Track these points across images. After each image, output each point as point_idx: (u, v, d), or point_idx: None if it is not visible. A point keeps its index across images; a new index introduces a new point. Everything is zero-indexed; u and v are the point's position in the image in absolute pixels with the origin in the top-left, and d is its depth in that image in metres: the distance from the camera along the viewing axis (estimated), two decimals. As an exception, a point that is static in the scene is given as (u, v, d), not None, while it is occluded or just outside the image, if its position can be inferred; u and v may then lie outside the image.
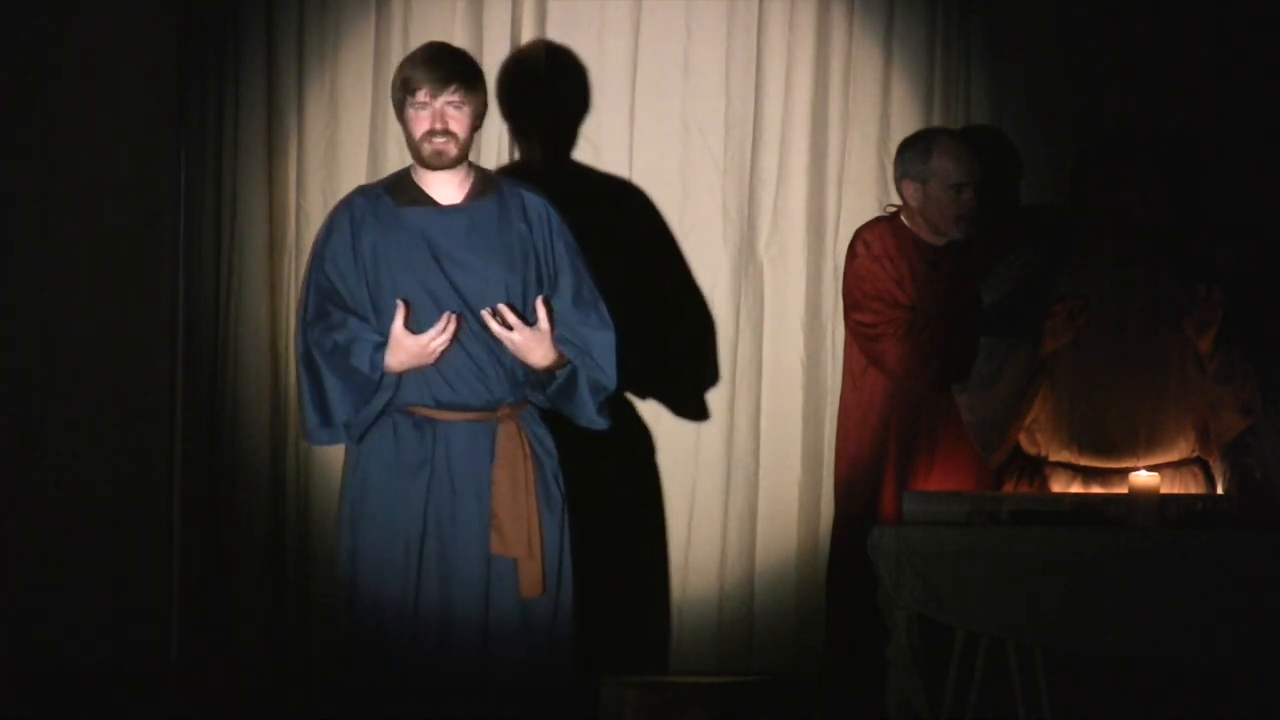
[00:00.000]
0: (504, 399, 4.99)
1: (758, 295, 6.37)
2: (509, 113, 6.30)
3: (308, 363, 4.97)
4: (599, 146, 6.36)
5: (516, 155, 6.34)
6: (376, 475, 4.97)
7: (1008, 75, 6.34)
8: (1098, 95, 6.26)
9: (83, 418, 6.14)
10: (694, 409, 6.38)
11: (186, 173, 6.32)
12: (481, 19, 6.33)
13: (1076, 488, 5.55)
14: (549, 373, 5.01)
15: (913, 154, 5.81)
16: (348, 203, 5.06)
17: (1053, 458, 5.60)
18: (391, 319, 4.91)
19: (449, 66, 4.99)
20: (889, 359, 5.75)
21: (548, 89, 6.33)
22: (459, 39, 6.21)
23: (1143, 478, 5.17)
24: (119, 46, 6.22)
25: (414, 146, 5.01)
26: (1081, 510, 5.28)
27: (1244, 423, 5.50)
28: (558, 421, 5.13)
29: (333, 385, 4.94)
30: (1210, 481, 5.58)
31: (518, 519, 4.94)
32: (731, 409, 6.35)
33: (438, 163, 4.99)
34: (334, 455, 6.20)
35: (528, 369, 4.99)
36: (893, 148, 6.02)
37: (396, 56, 6.26)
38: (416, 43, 6.20)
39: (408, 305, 4.91)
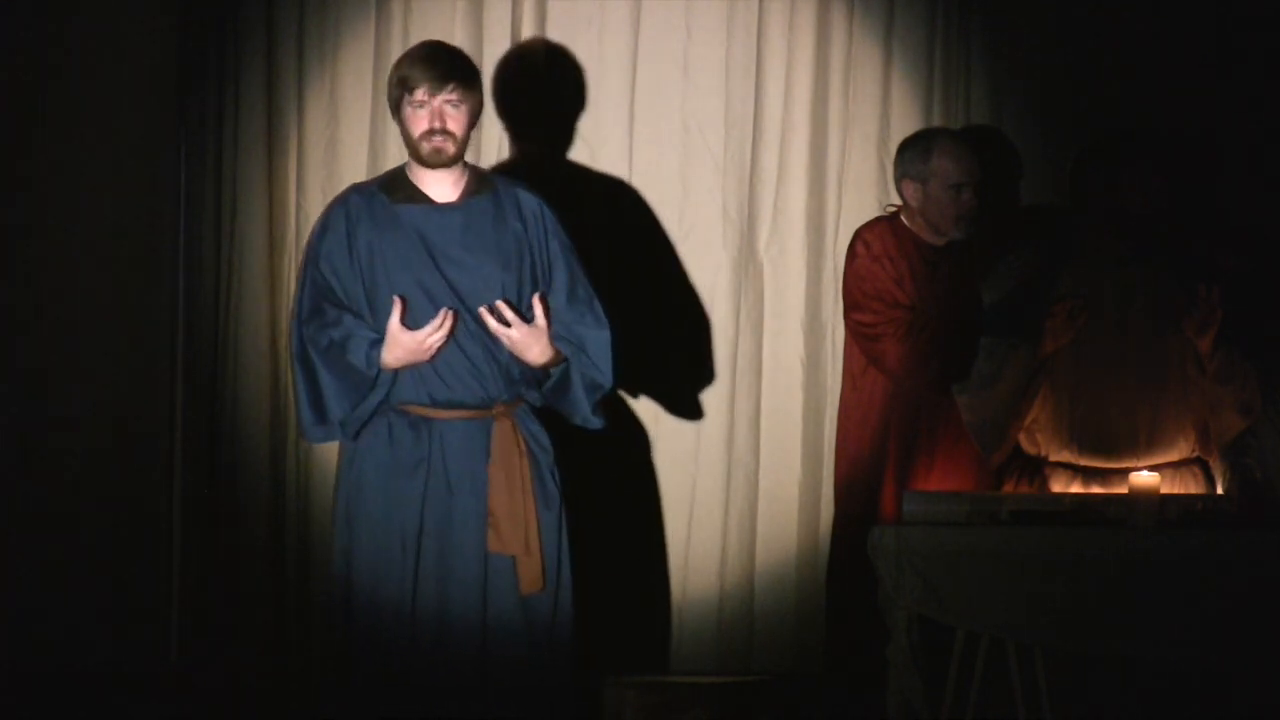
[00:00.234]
0: (499, 396, 4.99)
1: (758, 295, 6.37)
2: (507, 112, 6.29)
3: (302, 360, 4.97)
4: (599, 146, 6.36)
5: (514, 154, 6.33)
6: (372, 475, 4.97)
7: (1008, 75, 6.34)
8: (1098, 95, 6.26)
9: (83, 418, 6.14)
10: (691, 409, 6.38)
11: (186, 173, 6.32)
12: (481, 19, 6.33)
13: (1076, 488, 5.55)
14: (544, 370, 5.02)
15: (913, 154, 5.81)
16: (343, 200, 5.06)
17: (1053, 458, 5.60)
18: (386, 316, 4.91)
19: (447, 65, 4.99)
20: (889, 359, 5.75)
21: (546, 88, 6.32)
22: (459, 39, 6.21)
23: (1143, 478, 5.17)
24: (119, 46, 6.23)
25: (412, 145, 5.01)
26: (1081, 510, 5.27)
27: (1244, 423, 5.50)
28: (554, 420, 5.13)
29: (328, 382, 4.94)
30: (1210, 481, 5.58)
31: (514, 516, 4.94)
32: (731, 409, 6.35)
33: (436, 161, 4.99)
34: (334, 455, 6.20)
35: (523, 366, 4.99)
36: (893, 148, 6.02)
37: (396, 56, 6.23)
38: (417, 42, 6.23)
39: (404, 301, 4.91)
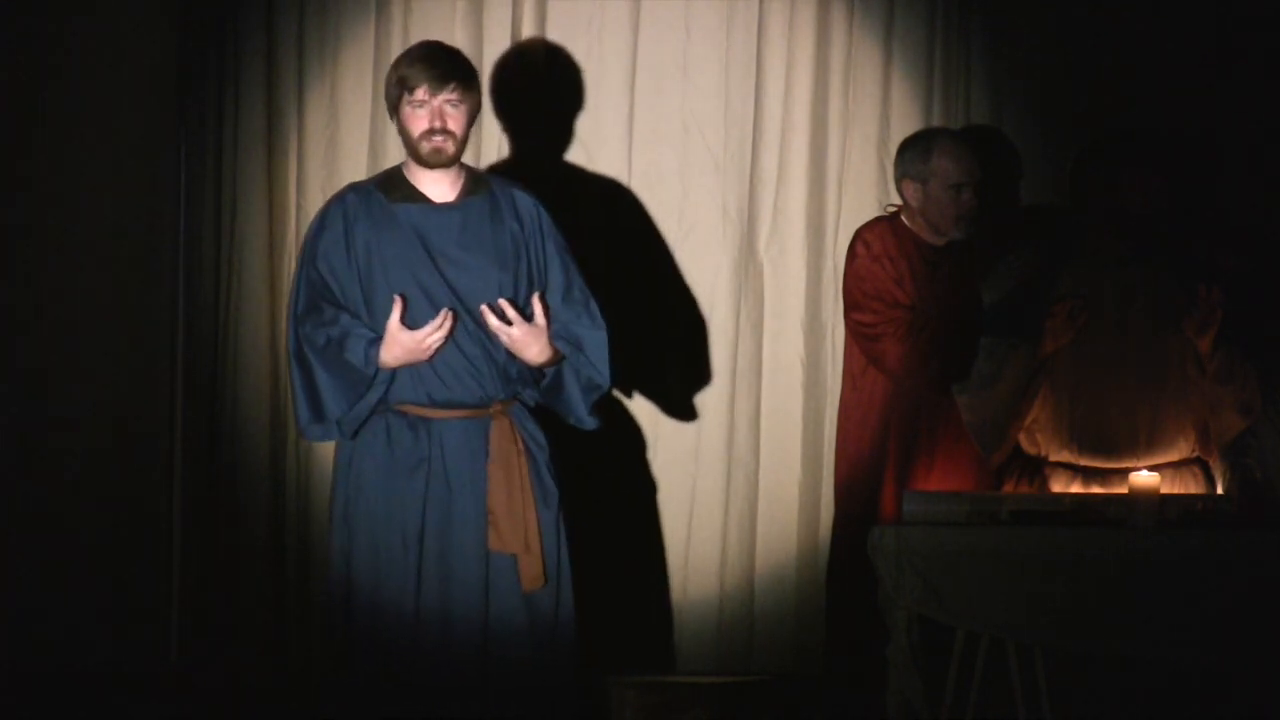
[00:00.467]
0: (496, 396, 4.99)
1: (758, 295, 6.37)
2: (504, 112, 6.29)
3: (299, 358, 4.97)
4: (598, 146, 6.36)
5: (512, 154, 6.33)
6: (371, 475, 4.97)
7: (1008, 75, 6.34)
8: (1098, 95, 6.26)
9: (83, 418, 6.14)
10: (690, 409, 6.38)
11: (186, 173, 6.32)
12: (481, 19, 6.33)
13: (1076, 488, 5.55)
14: (541, 369, 5.02)
15: (913, 154, 5.81)
16: (340, 199, 5.06)
17: (1053, 458, 5.60)
18: (383, 315, 4.91)
19: (447, 65, 4.99)
20: (889, 359, 5.75)
21: (545, 88, 6.32)
22: (459, 39, 6.21)
23: (1143, 478, 5.17)
24: (119, 46, 6.23)
25: (411, 145, 5.01)
26: (1081, 510, 5.27)
27: (1244, 423, 5.50)
28: (554, 420, 5.13)
29: (325, 381, 4.94)
30: (1210, 481, 5.58)
31: (514, 515, 4.94)
32: (731, 409, 6.35)
33: (436, 161, 4.99)
34: (333, 455, 6.21)
35: (520, 365, 4.99)
36: (893, 148, 6.02)
37: (396, 57, 6.25)
38: (416, 43, 6.23)
39: (404, 300, 4.91)
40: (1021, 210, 6.31)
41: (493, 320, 4.91)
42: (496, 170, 6.17)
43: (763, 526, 6.35)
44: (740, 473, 6.34)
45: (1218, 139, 6.23)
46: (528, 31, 6.30)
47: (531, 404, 5.06)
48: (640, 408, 6.38)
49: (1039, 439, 5.61)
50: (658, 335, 6.34)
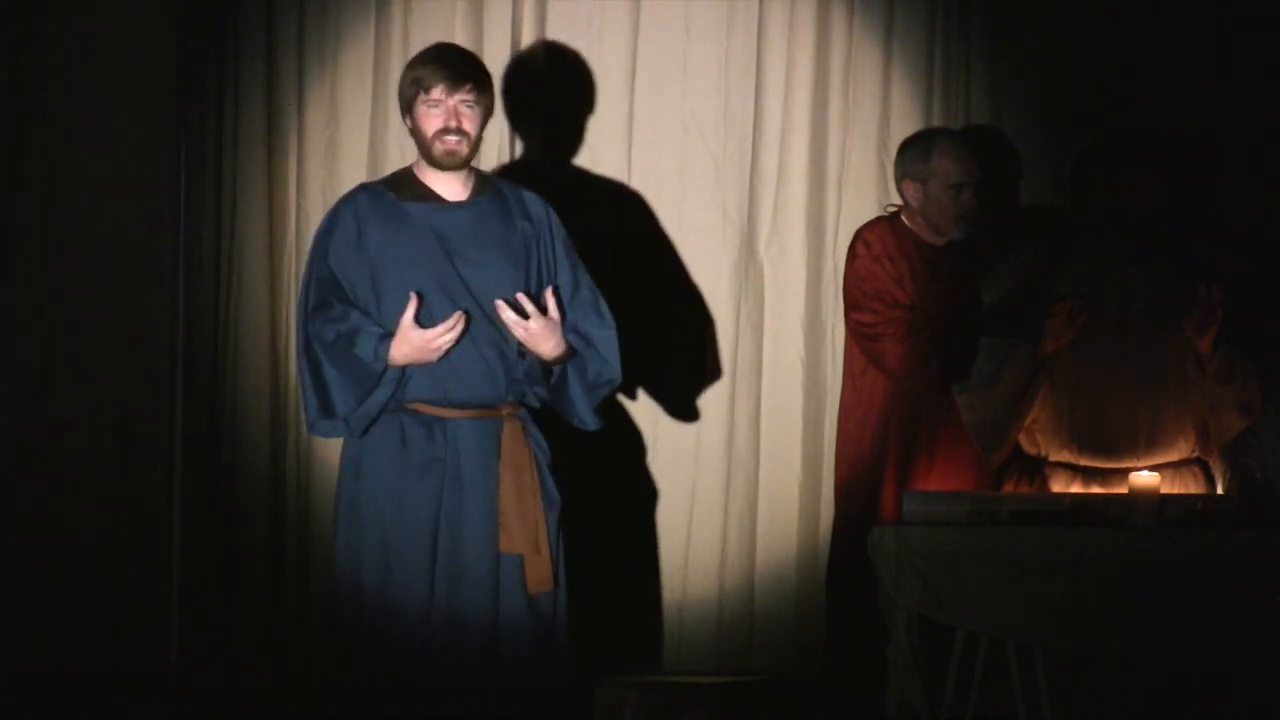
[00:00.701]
0: (506, 397, 5.00)
1: (758, 295, 6.37)
2: (510, 113, 6.30)
3: (308, 354, 4.95)
4: (599, 147, 6.36)
5: (516, 156, 6.34)
6: (383, 473, 4.95)
7: (1008, 75, 6.34)
8: (1098, 95, 6.26)
9: (83, 418, 6.14)
10: (691, 409, 6.38)
11: (186, 173, 6.32)
12: (481, 19, 6.33)
13: (1076, 488, 5.55)
14: (549, 367, 5.02)
15: (913, 154, 5.81)
16: (351, 198, 5.06)
17: (1053, 458, 5.60)
18: (394, 313, 4.90)
19: (463, 65, 5.00)
20: (889, 359, 5.75)
21: (549, 90, 6.33)
22: (459, 40, 6.21)
23: (1143, 478, 5.17)
24: (119, 46, 6.23)
25: (424, 145, 5.00)
26: (1081, 510, 5.27)
27: (1244, 423, 5.50)
28: (554, 422, 5.13)
29: (333, 377, 4.93)
30: (1210, 481, 5.58)
31: (525, 516, 4.95)
32: (731, 409, 6.35)
33: (449, 162, 4.99)
34: (334, 455, 6.17)
35: (529, 365, 4.99)
36: (893, 148, 6.02)
37: (396, 57, 6.27)
38: (417, 43, 6.23)
39: (420, 298, 4.91)
40: (1021, 210, 6.31)
41: (509, 315, 4.91)
42: (499, 173, 6.17)
43: (763, 526, 6.35)
44: (740, 473, 6.34)
45: (1218, 139, 6.23)
46: (528, 31, 6.30)
47: (537, 405, 5.06)
48: (640, 408, 6.38)
49: (1039, 439, 5.61)
50: (662, 335, 6.34)
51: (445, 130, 4.96)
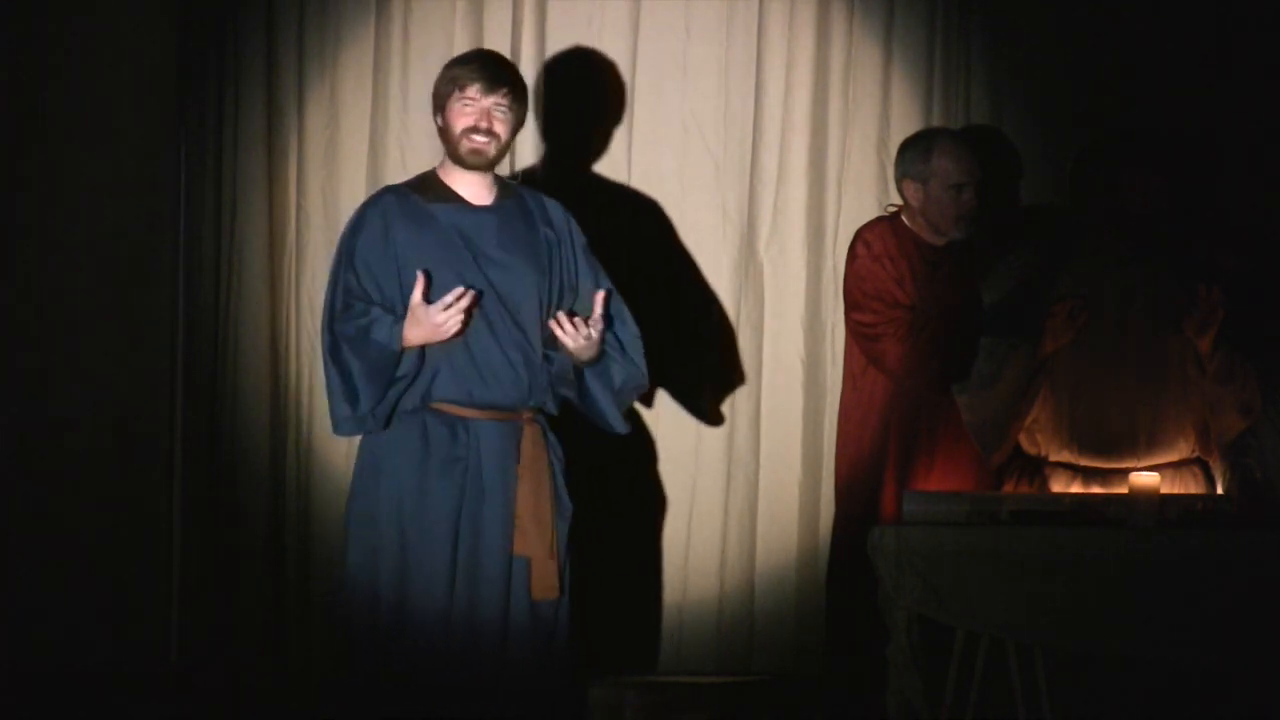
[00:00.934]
0: (528, 400, 5.01)
1: (758, 295, 6.37)
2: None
3: (334, 354, 4.95)
4: (598, 147, 6.36)
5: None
6: (405, 473, 4.96)
7: (1008, 75, 6.34)
8: (1098, 95, 6.26)
9: (83, 418, 6.14)
10: (693, 410, 6.38)
11: (186, 173, 6.32)
12: (481, 19, 6.32)
13: (1076, 488, 5.55)
14: (580, 369, 5.03)
15: (913, 154, 5.81)
16: (377, 199, 5.08)
17: (1053, 458, 5.60)
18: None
19: (501, 70, 5.04)
20: (889, 359, 5.75)
21: (551, 91, 6.33)
22: (459, 40, 6.22)
23: (1143, 478, 5.17)
24: (119, 46, 6.23)
25: (452, 142, 5.03)
26: (1081, 510, 5.27)
27: (1244, 423, 5.50)
28: (553, 425, 5.14)
29: (359, 369, 4.93)
30: (1210, 481, 5.58)
31: (540, 521, 4.97)
32: (732, 409, 6.35)
33: (474, 162, 5.01)
34: (334, 455, 6.22)
35: (561, 367, 5.01)
36: (893, 148, 6.02)
37: (396, 57, 6.27)
38: (417, 44, 6.25)
39: (428, 276, 4.91)
40: (1021, 210, 6.31)
41: (567, 329, 4.93)
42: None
43: (763, 526, 6.35)
44: (740, 473, 6.34)
45: (1218, 139, 6.23)
46: (528, 32, 6.30)
47: (554, 413, 5.08)
48: (641, 409, 6.38)
49: (1039, 439, 5.61)
50: (664, 336, 6.33)
51: (475, 129, 4.99)
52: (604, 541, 6.09)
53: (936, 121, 6.26)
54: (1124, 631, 5.00)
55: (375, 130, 6.31)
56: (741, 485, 6.34)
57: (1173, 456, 5.55)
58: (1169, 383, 5.53)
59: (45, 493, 6.06)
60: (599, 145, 6.36)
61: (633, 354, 5.10)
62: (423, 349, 4.95)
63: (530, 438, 5.00)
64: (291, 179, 6.34)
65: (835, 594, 5.95)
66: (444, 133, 5.05)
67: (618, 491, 6.31)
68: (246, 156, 6.31)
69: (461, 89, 5.00)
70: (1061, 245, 5.64)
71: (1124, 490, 5.24)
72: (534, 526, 4.96)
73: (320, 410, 6.24)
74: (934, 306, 5.77)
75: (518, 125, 5.07)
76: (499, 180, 5.13)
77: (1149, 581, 5.00)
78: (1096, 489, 5.52)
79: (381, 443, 5.00)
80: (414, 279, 4.94)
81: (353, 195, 6.25)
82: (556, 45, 6.33)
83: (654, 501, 6.38)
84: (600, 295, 5.02)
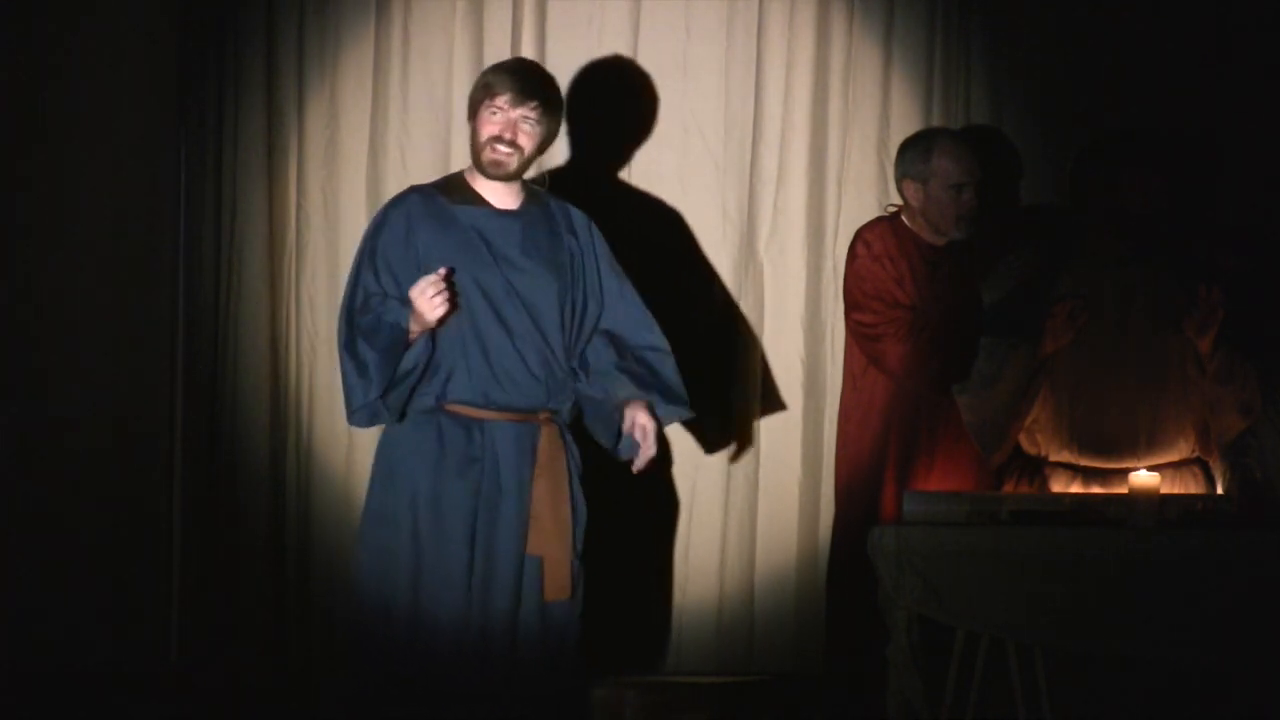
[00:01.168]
0: (545, 404, 5.02)
1: (758, 295, 6.36)
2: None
3: (349, 346, 4.95)
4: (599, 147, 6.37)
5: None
6: (420, 475, 4.96)
7: (1008, 75, 6.34)
8: (1098, 95, 6.26)
9: (83, 418, 6.14)
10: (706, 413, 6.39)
11: (186, 173, 6.32)
12: (481, 20, 6.32)
13: (1076, 488, 5.55)
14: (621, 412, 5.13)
15: (913, 154, 5.81)
16: (401, 199, 5.09)
17: (1053, 458, 5.60)
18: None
19: (533, 81, 5.03)
20: (889, 359, 5.75)
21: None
22: (459, 40, 6.22)
23: (1143, 478, 5.17)
24: (119, 46, 6.23)
25: (476, 149, 5.04)
26: (1081, 510, 5.27)
27: (1244, 423, 5.50)
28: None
29: (372, 358, 4.92)
30: (1210, 481, 5.58)
31: (557, 522, 4.99)
32: (732, 409, 6.35)
33: (494, 171, 5.03)
34: (334, 455, 6.22)
35: (599, 404, 5.05)
36: (893, 148, 6.02)
37: (396, 58, 6.27)
38: (417, 44, 6.24)
39: (449, 271, 4.93)
40: (1021, 210, 6.31)
41: (645, 453, 5.06)
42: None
43: (763, 527, 6.35)
44: (740, 473, 6.34)
45: (1218, 139, 6.23)
46: (528, 32, 6.30)
47: (568, 421, 5.09)
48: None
49: (1039, 439, 5.61)
50: (668, 338, 6.33)
51: (498, 139, 5.00)
52: (604, 541, 6.08)
53: (936, 121, 6.26)
54: (1124, 631, 5.00)
55: (375, 130, 6.31)
56: (741, 485, 6.34)
57: (1173, 456, 5.55)
58: (1169, 383, 5.53)
59: (45, 493, 6.06)
60: (613, 148, 6.35)
61: (671, 383, 5.15)
62: (433, 341, 4.95)
63: (547, 438, 5.02)
64: (291, 179, 6.34)
65: (835, 594, 5.95)
66: (471, 138, 5.05)
67: (618, 491, 6.30)
68: (246, 156, 6.31)
69: (492, 97, 5.01)
70: (1061, 245, 5.64)
71: (1124, 490, 5.24)
72: (552, 526, 4.97)
73: (320, 410, 6.24)
74: (934, 306, 5.77)
75: (547, 140, 5.07)
76: (526, 186, 5.14)
77: (1149, 581, 5.00)
78: (1096, 489, 5.52)
79: (397, 445, 5.00)
80: None
81: (353, 195, 6.26)
82: (556, 45, 6.32)
83: (654, 501, 6.38)
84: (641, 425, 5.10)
